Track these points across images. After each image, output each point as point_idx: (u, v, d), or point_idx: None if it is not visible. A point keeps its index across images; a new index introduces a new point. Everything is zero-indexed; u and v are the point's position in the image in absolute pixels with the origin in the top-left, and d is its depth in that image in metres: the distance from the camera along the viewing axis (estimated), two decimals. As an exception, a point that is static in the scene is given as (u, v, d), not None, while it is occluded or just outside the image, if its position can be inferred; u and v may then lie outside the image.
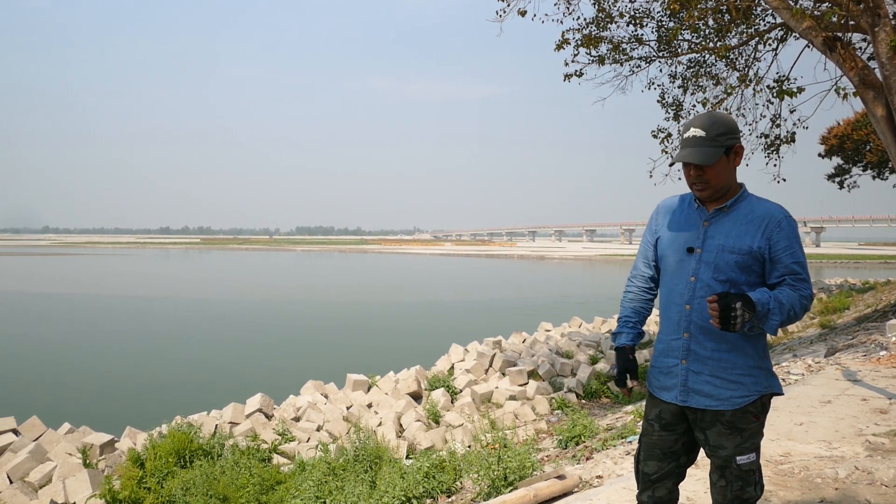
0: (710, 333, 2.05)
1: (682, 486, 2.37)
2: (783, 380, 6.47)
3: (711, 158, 2.02)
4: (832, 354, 7.97)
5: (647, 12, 10.53)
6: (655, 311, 5.59)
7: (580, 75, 10.65)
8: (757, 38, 10.34)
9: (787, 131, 11.03)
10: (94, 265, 68.95)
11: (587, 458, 4.89)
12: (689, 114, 11.42)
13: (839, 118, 22.80)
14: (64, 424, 8.50)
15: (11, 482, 7.13)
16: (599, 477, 4.09)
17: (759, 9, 9.76)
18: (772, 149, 11.28)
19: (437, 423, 9.08)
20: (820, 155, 23.18)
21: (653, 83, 11.62)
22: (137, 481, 6.55)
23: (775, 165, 11.25)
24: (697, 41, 10.52)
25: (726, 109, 10.99)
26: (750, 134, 11.42)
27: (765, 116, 11.18)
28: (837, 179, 23.77)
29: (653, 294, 2.33)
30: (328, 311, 28.63)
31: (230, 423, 8.66)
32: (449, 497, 4.88)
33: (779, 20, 9.28)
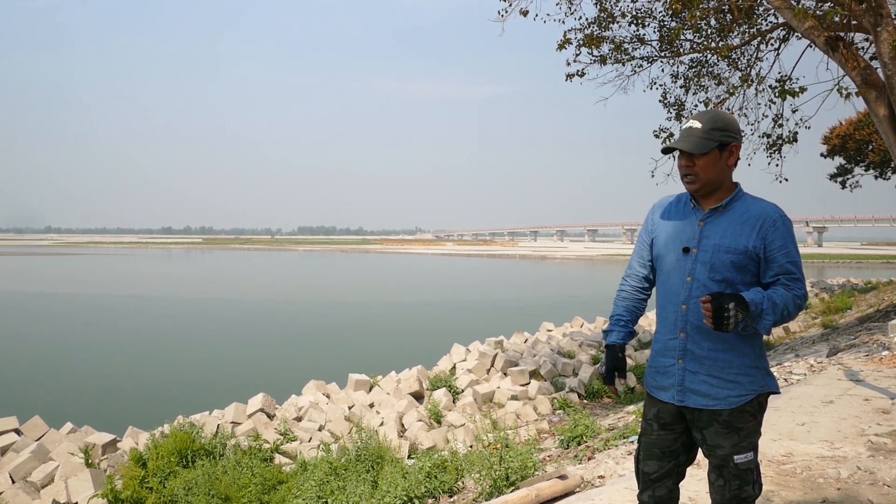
0: (707, 333, 2.05)
1: (683, 487, 2.36)
2: (785, 380, 6.46)
3: (701, 148, 2.03)
4: (834, 354, 7.96)
5: (649, 12, 10.52)
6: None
7: (582, 75, 10.64)
8: (759, 38, 10.33)
9: (790, 131, 11.00)
10: (97, 265, 69.08)
11: (589, 458, 4.89)
12: (691, 114, 11.39)
13: (841, 118, 22.76)
14: (66, 424, 8.53)
15: (14, 482, 7.15)
16: (601, 477, 4.09)
17: (761, 9, 9.75)
18: (774, 149, 11.26)
19: (439, 422, 9.08)
20: (822, 155, 23.13)
21: (655, 83, 11.61)
22: (139, 481, 6.56)
23: (777, 165, 11.23)
24: (699, 41, 10.50)
25: (728, 109, 10.97)
26: (752, 134, 11.39)
27: (767, 116, 11.16)
28: (840, 179, 23.72)
29: (647, 294, 2.33)
30: (330, 311, 28.66)
31: (232, 422, 8.68)
32: (451, 497, 4.89)
33: (781, 20, 9.27)
